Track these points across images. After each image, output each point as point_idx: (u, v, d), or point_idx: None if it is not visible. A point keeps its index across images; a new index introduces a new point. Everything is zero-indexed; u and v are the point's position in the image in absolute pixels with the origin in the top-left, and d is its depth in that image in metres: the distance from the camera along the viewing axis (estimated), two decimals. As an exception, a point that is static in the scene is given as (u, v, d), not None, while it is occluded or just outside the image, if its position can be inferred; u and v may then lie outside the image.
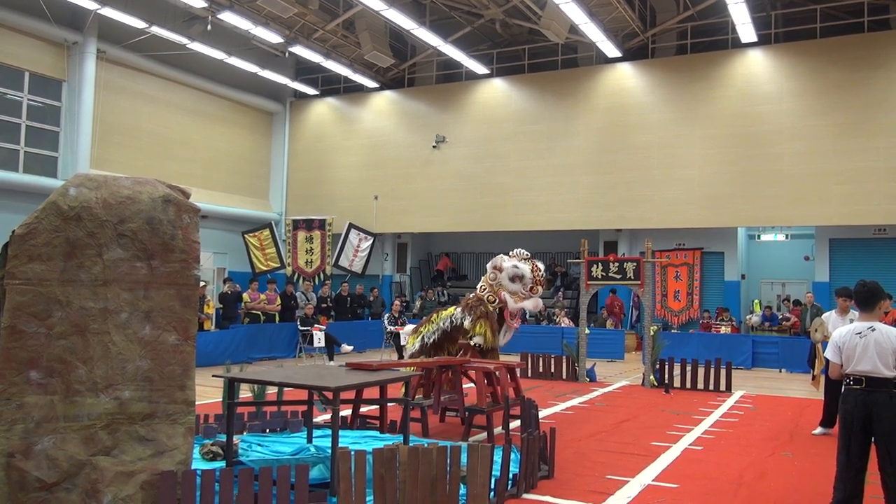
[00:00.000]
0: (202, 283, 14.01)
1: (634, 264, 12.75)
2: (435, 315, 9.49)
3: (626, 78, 19.35)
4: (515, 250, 9.67)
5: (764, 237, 21.12)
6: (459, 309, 9.24)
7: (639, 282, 12.65)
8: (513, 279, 9.17)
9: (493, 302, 9.11)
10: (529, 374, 12.73)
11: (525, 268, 9.25)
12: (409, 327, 10.11)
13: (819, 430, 8.28)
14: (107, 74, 18.54)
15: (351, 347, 15.44)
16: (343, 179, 22.71)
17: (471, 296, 9.45)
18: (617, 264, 12.94)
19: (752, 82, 17.93)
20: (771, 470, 6.49)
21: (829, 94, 17.11)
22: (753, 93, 17.86)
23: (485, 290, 9.30)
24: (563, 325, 18.09)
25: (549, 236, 21.75)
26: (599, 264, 13.10)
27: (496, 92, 21.00)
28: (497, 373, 7.78)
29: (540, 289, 9.44)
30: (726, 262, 19.55)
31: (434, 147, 21.40)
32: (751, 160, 17.67)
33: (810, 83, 17.35)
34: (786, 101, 17.55)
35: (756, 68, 17.98)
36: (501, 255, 9.56)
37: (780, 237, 20.90)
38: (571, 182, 19.59)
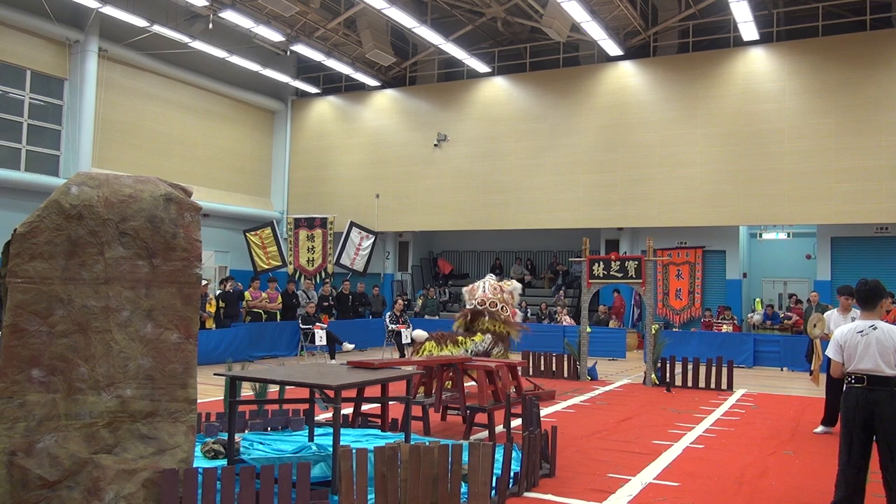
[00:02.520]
0: (204, 282, 14.02)
1: (636, 263, 12.74)
2: (461, 339, 9.93)
3: (627, 76, 19.33)
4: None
5: (766, 235, 21.10)
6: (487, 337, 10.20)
7: (640, 280, 12.64)
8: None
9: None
10: (531, 373, 12.73)
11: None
12: (420, 332, 10.23)
13: (820, 428, 8.27)
14: (108, 73, 18.55)
15: (352, 346, 15.45)
16: (344, 178, 22.71)
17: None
18: (618, 263, 12.93)
19: (754, 80, 17.91)
20: (772, 468, 6.49)
21: (831, 92, 17.08)
22: (755, 91, 17.84)
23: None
24: (564, 323, 18.09)
25: (551, 235, 21.75)
26: (601, 263, 13.09)
27: (497, 90, 20.99)
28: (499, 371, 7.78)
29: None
30: (728, 260, 19.53)
31: (435, 145, 21.39)
32: (752, 158, 17.65)
33: (812, 81, 17.33)
34: (787, 99, 17.53)
35: (758, 66, 17.96)
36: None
37: (782, 236, 20.88)
38: (573, 180, 19.58)
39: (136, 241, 4.44)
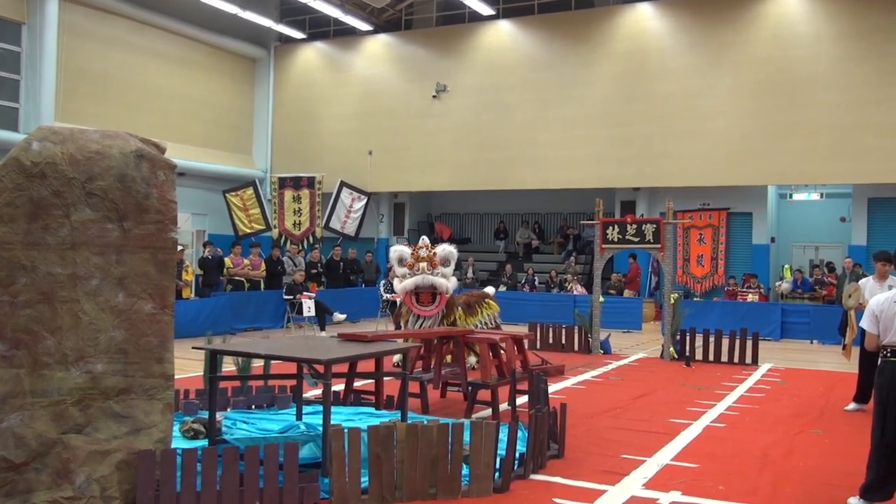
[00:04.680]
0: (180, 247, 14.02)
1: (654, 226, 12.72)
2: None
3: (646, 20, 19.12)
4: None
5: (796, 196, 21.05)
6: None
7: (658, 245, 12.64)
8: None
9: None
10: (539, 346, 12.81)
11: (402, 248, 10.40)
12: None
13: (852, 405, 8.34)
14: (71, 16, 18.33)
15: (344, 316, 15.52)
16: (334, 132, 22.59)
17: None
18: (635, 226, 12.92)
19: (786, 24, 17.71)
20: (798, 448, 6.56)
21: (871, 37, 16.89)
22: (787, 35, 17.65)
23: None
24: (575, 292, 18.16)
25: (561, 196, 21.70)
26: (615, 226, 13.08)
27: (502, 36, 20.77)
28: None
29: (422, 264, 9.96)
30: (755, 223, 19.52)
31: (434, 97, 21.25)
32: (783, 111, 17.53)
33: (850, 25, 17.12)
34: (823, 44, 17.34)
35: (791, 8, 17.75)
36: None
37: (814, 196, 20.83)
38: (585, 136, 19.47)
39: (104, 203, 4.43)
